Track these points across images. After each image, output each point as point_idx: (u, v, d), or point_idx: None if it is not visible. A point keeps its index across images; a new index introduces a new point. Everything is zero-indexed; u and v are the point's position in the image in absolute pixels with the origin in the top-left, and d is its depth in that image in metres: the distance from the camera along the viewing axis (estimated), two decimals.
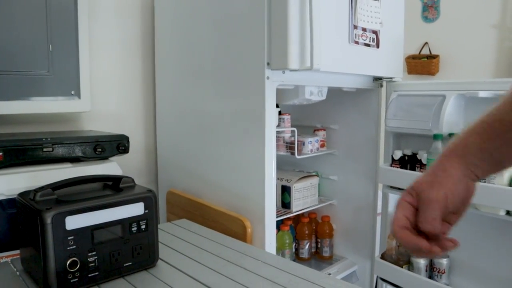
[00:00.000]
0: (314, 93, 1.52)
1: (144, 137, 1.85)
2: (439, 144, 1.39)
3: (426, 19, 2.90)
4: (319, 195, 1.80)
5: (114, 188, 0.97)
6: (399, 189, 1.58)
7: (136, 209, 0.93)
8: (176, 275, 0.97)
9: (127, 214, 0.91)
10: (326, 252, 1.86)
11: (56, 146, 1.22)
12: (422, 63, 2.85)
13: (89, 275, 0.87)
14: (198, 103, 1.54)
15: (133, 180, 1.01)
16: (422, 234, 0.58)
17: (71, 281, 0.84)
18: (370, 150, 1.75)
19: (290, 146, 1.66)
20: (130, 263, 0.94)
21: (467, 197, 0.58)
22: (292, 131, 1.63)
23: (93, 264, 0.87)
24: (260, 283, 0.93)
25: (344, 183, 1.86)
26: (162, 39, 1.74)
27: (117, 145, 1.33)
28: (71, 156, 1.25)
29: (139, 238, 0.94)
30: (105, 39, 1.70)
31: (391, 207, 1.70)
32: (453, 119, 1.41)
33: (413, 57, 2.90)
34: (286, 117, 1.64)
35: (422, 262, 1.50)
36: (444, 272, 1.49)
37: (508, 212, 1.25)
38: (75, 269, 0.84)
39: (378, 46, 1.53)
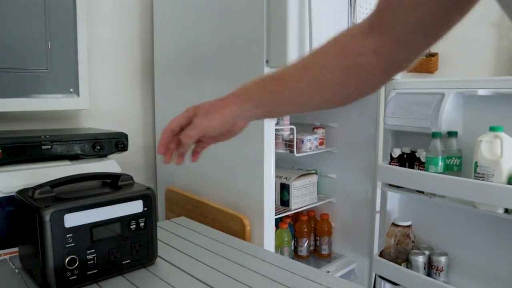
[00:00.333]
0: None
1: (143, 134, 1.85)
2: (437, 142, 1.39)
3: None
4: (318, 193, 1.80)
5: (113, 186, 0.97)
6: (398, 187, 1.58)
7: (135, 206, 0.93)
8: (175, 272, 0.97)
9: (126, 211, 0.91)
10: (324, 250, 1.87)
11: (55, 143, 1.22)
12: (420, 61, 2.84)
13: (88, 273, 0.87)
14: (197, 100, 1.54)
15: (131, 177, 1.00)
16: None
17: (70, 278, 0.84)
18: (368, 148, 1.75)
19: (289, 144, 1.66)
20: (128, 261, 0.94)
21: (231, 131, 0.76)
22: (291, 129, 1.63)
23: (92, 261, 0.87)
24: (259, 281, 0.93)
25: (343, 181, 1.86)
26: (161, 36, 1.74)
27: (116, 142, 1.33)
28: (69, 154, 1.25)
29: (137, 236, 0.94)
30: (104, 36, 1.70)
31: (390, 205, 1.70)
32: (451, 117, 1.41)
33: None
34: None
35: (420, 260, 1.51)
36: (442, 270, 1.50)
37: (506, 210, 1.26)
38: (74, 266, 0.84)
39: None
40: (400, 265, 1.54)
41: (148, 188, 0.97)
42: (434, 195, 1.44)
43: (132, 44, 1.79)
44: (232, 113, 0.73)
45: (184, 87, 1.61)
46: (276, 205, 1.46)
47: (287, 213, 1.64)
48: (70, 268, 0.84)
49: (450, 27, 0.62)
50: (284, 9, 1.22)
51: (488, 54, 2.63)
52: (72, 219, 0.83)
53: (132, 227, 0.93)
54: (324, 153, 1.88)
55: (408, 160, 1.51)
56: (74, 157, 1.26)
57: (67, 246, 0.83)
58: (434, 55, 2.80)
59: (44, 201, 0.84)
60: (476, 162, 1.28)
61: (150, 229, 0.96)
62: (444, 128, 1.39)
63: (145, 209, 0.95)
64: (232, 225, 1.37)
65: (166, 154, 0.78)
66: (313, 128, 1.83)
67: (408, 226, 1.58)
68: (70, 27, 1.42)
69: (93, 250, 0.87)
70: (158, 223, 1.15)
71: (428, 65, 2.81)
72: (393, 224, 1.59)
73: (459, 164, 1.38)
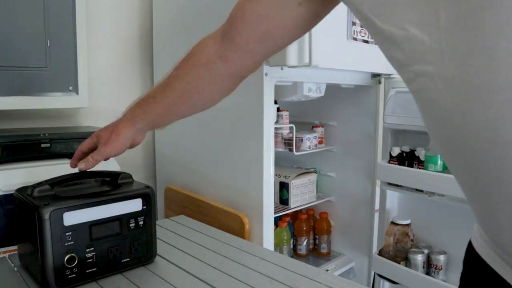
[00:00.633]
0: (312, 90, 1.52)
1: None
2: None
3: None
4: (317, 192, 1.80)
5: (112, 184, 0.97)
6: (397, 185, 1.58)
7: (134, 205, 0.93)
8: (174, 271, 0.97)
9: (125, 210, 0.91)
10: (324, 249, 1.87)
11: (54, 142, 1.22)
12: None
13: (87, 271, 0.86)
14: None
15: (131, 176, 1.00)
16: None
17: (69, 277, 0.84)
18: (368, 146, 1.75)
19: (288, 143, 1.66)
20: (128, 259, 0.93)
21: (133, 145, 0.91)
22: (290, 128, 1.63)
23: (91, 260, 0.87)
24: (258, 279, 0.93)
25: (342, 179, 1.86)
26: (161, 35, 1.74)
27: None
28: (69, 152, 1.25)
29: (137, 234, 0.94)
30: (103, 34, 1.69)
31: (389, 204, 1.70)
32: None
33: None
34: (285, 113, 1.63)
35: (419, 259, 1.51)
36: (441, 269, 1.50)
37: None
38: (73, 265, 0.84)
39: None
40: (399, 263, 1.55)
41: (148, 187, 0.96)
42: (433, 193, 1.44)
43: (131, 43, 1.79)
44: (126, 136, 0.87)
45: None
46: (275, 203, 1.46)
47: (286, 212, 1.64)
48: (69, 266, 0.83)
49: (292, 41, 0.72)
50: None
51: None
52: (71, 218, 0.83)
53: (131, 225, 0.92)
54: (324, 152, 1.88)
55: (408, 159, 1.51)
56: (73, 155, 1.26)
57: (66, 244, 0.83)
58: None
59: (43, 199, 0.83)
60: None
61: (149, 228, 0.96)
62: None
63: (144, 207, 0.94)
64: (232, 224, 1.37)
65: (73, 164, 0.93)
66: (313, 127, 1.83)
67: (407, 225, 1.58)
68: (69, 25, 1.42)
69: (92, 249, 0.87)
70: (157, 222, 1.14)
71: None
72: (392, 223, 1.60)
73: None
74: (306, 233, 1.84)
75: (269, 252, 1.14)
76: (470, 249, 0.65)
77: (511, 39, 0.40)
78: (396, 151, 1.54)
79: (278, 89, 1.47)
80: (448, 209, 1.51)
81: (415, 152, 1.48)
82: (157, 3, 1.73)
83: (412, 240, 1.60)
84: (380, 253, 1.62)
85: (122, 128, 0.86)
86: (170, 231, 1.25)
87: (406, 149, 1.53)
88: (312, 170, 1.84)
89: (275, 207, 1.43)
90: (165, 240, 1.16)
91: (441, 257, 1.50)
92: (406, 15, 0.48)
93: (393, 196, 1.70)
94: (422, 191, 1.48)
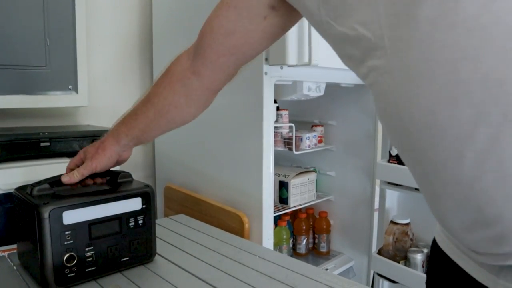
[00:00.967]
0: (312, 89, 1.52)
1: None
2: None
3: None
4: (316, 191, 1.80)
5: (112, 183, 0.97)
6: (396, 185, 1.58)
7: (134, 204, 0.93)
8: (173, 270, 0.97)
9: (125, 209, 0.91)
10: (323, 248, 1.87)
11: (54, 140, 1.22)
12: None
13: (87, 270, 0.86)
14: None
15: (130, 175, 1.00)
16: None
17: (68, 275, 0.84)
18: (367, 146, 1.75)
19: (287, 142, 1.66)
20: (127, 258, 0.93)
21: (119, 161, 0.94)
22: (290, 127, 1.63)
23: (90, 259, 0.87)
24: (258, 279, 0.93)
25: (342, 179, 1.86)
26: (160, 33, 1.73)
27: None
28: (68, 151, 1.25)
29: (136, 233, 0.94)
30: (103, 33, 1.69)
31: (389, 203, 1.70)
32: None
33: None
34: (284, 112, 1.63)
35: (419, 258, 1.51)
36: None
37: None
38: (72, 263, 0.84)
39: None
40: (399, 262, 1.55)
41: (147, 186, 0.96)
42: None
43: (131, 41, 1.79)
44: (112, 152, 0.89)
45: None
46: (274, 202, 1.46)
47: (286, 211, 1.64)
48: (69, 265, 0.83)
49: (261, 51, 0.76)
50: None
51: None
52: (71, 216, 0.83)
53: (130, 224, 0.92)
54: (323, 151, 1.88)
55: None
56: (72, 154, 1.25)
57: (65, 243, 0.83)
58: None
59: (43, 198, 0.83)
60: None
61: (148, 227, 0.96)
62: None
63: (144, 206, 0.94)
64: (231, 223, 1.37)
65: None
66: (312, 126, 1.83)
67: (407, 224, 1.58)
68: (69, 24, 1.42)
69: (91, 248, 0.86)
70: (156, 221, 1.14)
71: None
72: (392, 222, 1.60)
73: None
74: (306, 232, 1.84)
75: (268, 251, 1.14)
76: (434, 244, 0.69)
77: (443, 30, 0.43)
78: (395, 150, 1.54)
79: (278, 88, 1.47)
80: None
81: None
82: (157, 2, 1.73)
83: (411, 240, 1.60)
84: (380, 252, 1.62)
85: (108, 144, 0.89)
86: (169, 230, 1.25)
87: None
88: (311, 169, 1.84)
89: (275, 206, 1.43)
90: (165, 239, 1.16)
91: None
92: (355, 16, 0.52)
93: (392, 196, 1.70)
94: None
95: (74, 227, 0.84)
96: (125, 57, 1.78)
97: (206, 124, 1.50)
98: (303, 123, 1.86)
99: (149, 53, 1.82)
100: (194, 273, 0.95)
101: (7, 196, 1.10)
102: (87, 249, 0.86)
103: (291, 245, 1.81)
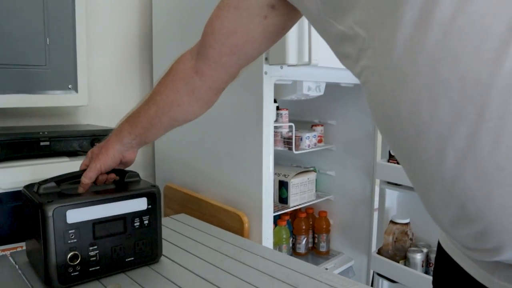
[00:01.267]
0: (312, 89, 1.52)
1: None
2: None
3: None
4: (316, 191, 1.80)
5: (119, 183, 0.96)
6: (396, 184, 1.58)
7: (139, 204, 0.92)
8: (177, 270, 0.97)
9: (130, 209, 0.91)
10: (323, 247, 1.87)
11: (53, 140, 1.22)
12: None
13: (90, 269, 0.86)
14: None
15: (138, 174, 0.99)
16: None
17: (72, 274, 0.83)
18: (367, 145, 1.75)
19: (287, 141, 1.66)
20: (132, 258, 0.93)
21: (124, 162, 0.94)
22: (290, 126, 1.63)
23: (94, 258, 0.86)
24: (260, 278, 0.93)
25: (342, 178, 1.87)
26: (160, 32, 1.73)
27: None
28: (68, 150, 1.25)
29: (141, 234, 0.93)
30: (103, 33, 1.69)
31: (388, 203, 1.70)
32: None
33: None
34: (284, 112, 1.63)
35: (418, 258, 1.51)
36: None
37: None
38: (76, 262, 0.83)
39: None
40: (398, 262, 1.55)
41: (153, 186, 0.95)
42: None
43: (131, 40, 1.78)
44: (115, 151, 0.89)
45: None
46: (274, 202, 1.46)
47: (286, 210, 1.64)
48: (72, 264, 0.83)
49: (262, 51, 0.78)
50: None
51: None
52: (75, 215, 0.83)
53: (136, 224, 0.92)
54: (323, 151, 1.88)
55: None
56: (72, 154, 1.26)
57: (69, 242, 0.82)
58: None
59: (48, 196, 0.83)
60: None
61: (154, 227, 0.95)
62: None
63: (149, 206, 0.93)
64: (231, 222, 1.37)
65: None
66: (312, 126, 1.83)
67: (406, 224, 1.59)
68: (69, 23, 1.41)
69: (95, 247, 0.86)
70: None
71: None
72: (391, 222, 1.60)
73: None
74: (305, 232, 1.84)
75: (269, 250, 1.14)
76: (439, 244, 0.70)
77: (423, 32, 0.44)
78: None
79: (278, 88, 1.47)
80: None
81: None
82: (157, 2, 1.73)
83: (411, 239, 1.60)
84: (379, 252, 1.62)
85: (111, 143, 0.90)
86: (171, 230, 1.25)
87: None
88: (311, 169, 1.84)
89: (274, 206, 1.43)
90: (167, 239, 1.16)
91: None
92: (352, 16, 0.53)
93: (392, 195, 1.70)
94: None
95: (78, 226, 0.83)
96: (125, 56, 1.78)
97: (205, 124, 1.50)
98: (303, 123, 1.86)
99: (149, 53, 1.82)
100: (197, 273, 0.95)
101: (7, 195, 1.10)
102: (91, 248, 0.86)
103: (290, 245, 1.81)
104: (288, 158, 1.97)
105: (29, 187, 0.90)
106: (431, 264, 1.52)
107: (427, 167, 0.48)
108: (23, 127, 1.38)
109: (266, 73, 1.28)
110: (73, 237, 0.83)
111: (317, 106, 1.88)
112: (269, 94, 1.30)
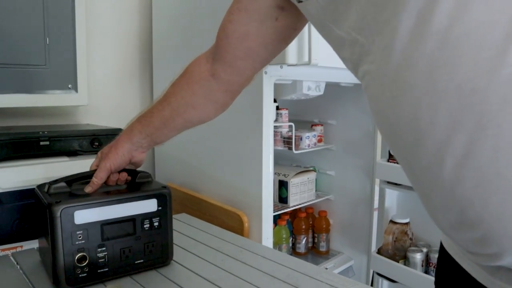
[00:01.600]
0: (311, 88, 1.52)
1: None
2: None
3: None
4: (316, 190, 1.80)
5: (130, 183, 0.96)
6: (396, 184, 1.59)
7: (149, 205, 0.91)
8: (177, 269, 0.96)
9: (139, 210, 0.89)
10: (323, 247, 1.87)
11: (53, 139, 1.21)
12: None
13: (99, 271, 0.85)
14: None
15: (150, 175, 0.98)
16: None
17: (80, 276, 0.83)
18: (367, 145, 1.75)
19: (287, 141, 1.66)
20: (141, 261, 0.91)
21: (133, 162, 0.92)
22: (290, 126, 1.63)
23: (102, 260, 0.85)
24: (261, 278, 0.93)
25: (341, 178, 1.87)
26: (160, 32, 1.73)
27: (114, 139, 1.33)
28: (68, 150, 1.24)
29: (151, 236, 0.92)
30: (103, 32, 1.69)
31: (388, 203, 1.70)
32: None
33: None
34: (284, 112, 1.63)
35: (418, 257, 1.51)
36: None
37: None
38: (84, 264, 0.83)
39: None
40: (398, 262, 1.55)
41: (164, 187, 0.94)
42: None
43: (131, 40, 1.78)
44: (124, 149, 0.89)
45: None
46: (274, 202, 1.46)
47: (285, 210, 1.64)
48: (80, 265, 0.82)
49: (276, 54, 0.78)
50: None
51: None
52: (82, 216, 0.82)
53: (145, 226, 0.90)
54: (323, 150, 1.88)
55: None
56: (72, 153, 1.25)
57: (77, 243, 0.82)
58: None
59: (57, 196, 0.83)
60: None
61: (164, 229, 0.94)
62: None
63: (160, 208, 0.92)
64: (231, 222, 1.37)
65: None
66: (312, 125, 1.83)
67: (406, 223, 1.59)
68: (68, 23, 1.41)
69: (104, 248, 0.85)
70: None
71: None
72: (391, 221, 1.60)
73: None
74: (305, 231, 1.84)
75: (270, 250, 1.14)
76: (441, 245, 0.70)
77: (420, 40, 0.45)
78: None
79: (278, 88, 1.47)
80: None
81: None
82: (157, 2, 1.73)
83: (411, 239, 1.60)
84: (379, 251, 1.62)
85: (121, 142, 0.89)
86: (175, 231, 1.24)
87: None
88: (311, 168, 1.84)
89: (274, 206, 1.43)
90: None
91: None
92: (349, 22, 0.54)
93: (392, 195, 1.70)
94: None
95: (86, 227, 0.83)
96: (125, 56, 1.77)
97: (205, 123, 1.50)
98: (302, 123, 1.86)
99: (149, 53, 1.82)
100: (198, 273, 0.94)
101: (7, 195, 1.10)
102: (99, 250, 0.85)
103: (290, 245, 1.81)
104: (288, 158, 1.98)
105: (41, 186, 0.89)
106: (431, 264, 1.52)
107: (427, 173, 0.48)
108: (23, 127, 1.38)
109: (266, 72, 1.28)
110: (81, 238, 0.82)
111: (317, 106, 1.88)
112: (269, 94, 1.30)
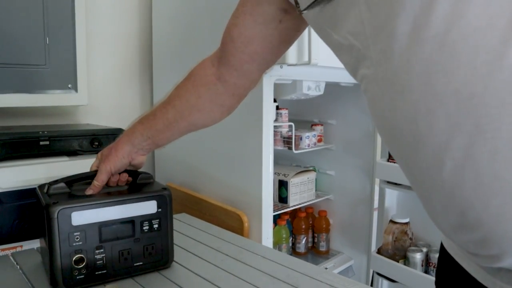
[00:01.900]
0: (311, 88, 1.52)
1: None
2: None
3: None
4: (316, 190, 1.80)
5: (131, 185, 0.95)
6: (396, 184, 1.59)
7: (148, 207, 0.90)
8: (177, 269, 0.96)
9: (138, 212, 0.89)
10: (322, 247, 1.87)
11: (53, 139, 1.21)
12: None
13: (96, 273, 0.85)
14: None
15: (151, 176, 0.98)
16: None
17: (77, 277, 0.83)
18: (367, 145, 1.75)
19: (287, 141, 1.66)
20: (141, 263, 0.91)
21: (133, 164, 0.92)
22: (290, 126, 1.63)
23: (100, 261, 0.85)
24: (261, 278, 0.93)
25: (341, 178, 1.87)
26: (160, 32, 1.73)
27: (114, 139, 1.31)
28: (68, 150, 1.24)
29: (151, 238, 0.91)
30: (103, 32, 1.69)
31: (388, 202, 1.70)
32: None
33: None
34: (284, 111, 1.63)
35: (418, 257, 1.51)
36: None
37: None
38: (81, 265, 0.83)
39: None
40: (398, 262, 1.55)
41: (165, 189, 0.93)
42: None
43: (130, 40, 1.78)
44: (124, 152, 0.88)
45: None
46: (274, 202, 1.46)
47: (285, 210, 1.64)
48: (78, 267, 0.82)
49: (280, 55, 0.79)
50: None
51: None
52: (80, 217, 0.81)
53: (145, 228, 0.89)
54: (323, 150, 1.88)
55: None
56: (72, 153, 1.25)
57: (74, 244, 0.81)
58: None
59: (56, 197, 0.82)
60: None
61: (165, 231, 0.93)
62: None
63: (160, 210, 0.91)
64: (231, 222, 1.37)
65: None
66: (312, 125, 1.83)
67: (406, 223, 1.59)
68: (68, 23, 1.41)
69: (102, 250, 0.85)
70: None
71: None
72: (391, 221, 1.60)
73: None
74: (305, 231, 1.84)
75: (269, 250, 1.14)
76: (441, 245, 0.70)
77: (417, 45, 0.44)
78: None
79: (278, 87, 1.47)
80: None
81: None
82: (157, 2, 1.73)
83: (411, 239, 1.60)
84: (379, 251, 1.62)
85: (122, 144, 0.89)
86: (175, 231, 1.24)
87: None
88: (311, 168, 1.84)
89: (274, 205, 1.43)
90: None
91: None
92: (345, 27, 0.54)
93: (392, 195, 1.70)
94: None
95: (84, 228, 0.82)
96: (125, 56, 1.77)
97: None
98: (302, 122, 1.86)
99: (149, 53, 1.82)
100: (198, 273, 0.95)
101: (7, 194, 1.10)
102: (97, 251, 0.84)
103: (290, 244, 1.81)
104: (288, 158, 1.97)
105: (42, 187, 0.88)
106: (430, 264, 1.52)
107: (427, 175, 0.49)
108: (23, 127, 1.38)
109: (265, 72, 1.28)
110: (78, 239, 0.82)
111: (317, 106, 1.88)
112: (268, 94, 1.30)
